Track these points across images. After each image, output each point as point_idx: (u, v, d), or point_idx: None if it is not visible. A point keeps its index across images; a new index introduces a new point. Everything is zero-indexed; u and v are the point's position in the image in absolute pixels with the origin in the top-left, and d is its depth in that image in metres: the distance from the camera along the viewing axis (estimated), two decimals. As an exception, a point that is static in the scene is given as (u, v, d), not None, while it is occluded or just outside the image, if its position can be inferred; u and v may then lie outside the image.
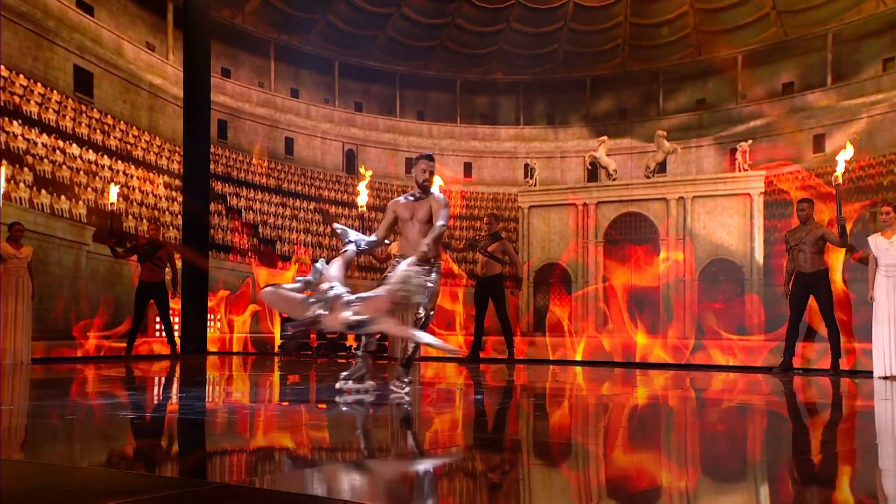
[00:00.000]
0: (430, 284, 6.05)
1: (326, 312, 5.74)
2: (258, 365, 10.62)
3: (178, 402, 6.30)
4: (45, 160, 10.73)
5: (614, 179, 12.38)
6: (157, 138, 12.39)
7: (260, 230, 13.52)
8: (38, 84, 10.72)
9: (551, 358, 11.99)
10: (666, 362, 11.27)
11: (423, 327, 6.08)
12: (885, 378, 8.51)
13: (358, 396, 6.06)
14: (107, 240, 10.66)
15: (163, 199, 12.42)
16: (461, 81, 13.86)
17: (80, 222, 11.08)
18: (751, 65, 11.97)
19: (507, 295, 11.37)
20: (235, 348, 13.06)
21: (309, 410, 5.66)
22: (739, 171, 11.52)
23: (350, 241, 6.31)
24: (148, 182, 12.19)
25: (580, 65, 13.19)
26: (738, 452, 4.23)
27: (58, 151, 10.90)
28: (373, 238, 6.40)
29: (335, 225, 6.60)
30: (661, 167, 12.16)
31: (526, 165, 13.20)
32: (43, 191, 10.64)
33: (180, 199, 12.64)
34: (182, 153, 12.67)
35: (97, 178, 11.38)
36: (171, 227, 12.42)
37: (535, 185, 12.93)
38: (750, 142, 11.51)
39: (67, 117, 11.10)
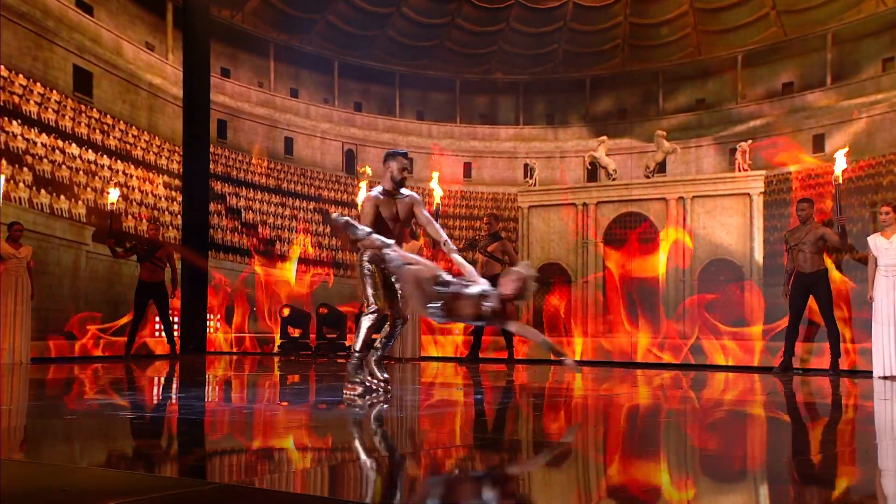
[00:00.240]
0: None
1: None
2: (258, 365, 10.62)
3: (177, 401, 6.30)
4: (45, 160, 10.73)
5: (614, 179, 12.38)
6: (157, 138, 12.39)
7: (259, 230, 13.52)
8: (38, 84, 10.72)
9: (551, 358, 11.97)
10: (665, 362, 11.26)
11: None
12: (885, 378, 8.51)
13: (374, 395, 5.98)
14: (106, 239, 10.66)
15: (162, 198, 12.42)
16: (461, 81, 13.86)
17: (79, 222, 11.08)
18: (750, 65, 11.97)
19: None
20: (235, 348, 13.06)
21: (308, 410, 5.66)
22: (739, 171, 11.52)
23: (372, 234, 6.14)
24: (147, 182, 12.18)
25: (580, 65, 13.19)
26: (738, 452, 4.23)
27: (57, 151, 10.90)
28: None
29: (336, 216, 6.25)
30: (661, 167, 12.16)
31: (525, 165, 13.20)
32: (42, 190, 10.63)
33: (180, 198, 12.64)
34: (181, 153, 12.67)
35: (97, 177, 11.38)
36: (170, 227, 12.41)
37: (534, 185, 12.93)
38: (749, 142, 11.51)
39: (67, 117, 11.10)
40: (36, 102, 10.68)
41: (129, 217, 11.86)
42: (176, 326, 11.87)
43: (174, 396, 6.81)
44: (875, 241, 8.75)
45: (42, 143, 10.71)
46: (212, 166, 13.07)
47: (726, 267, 11.61)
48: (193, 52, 12.86)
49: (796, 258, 9.39)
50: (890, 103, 10.51)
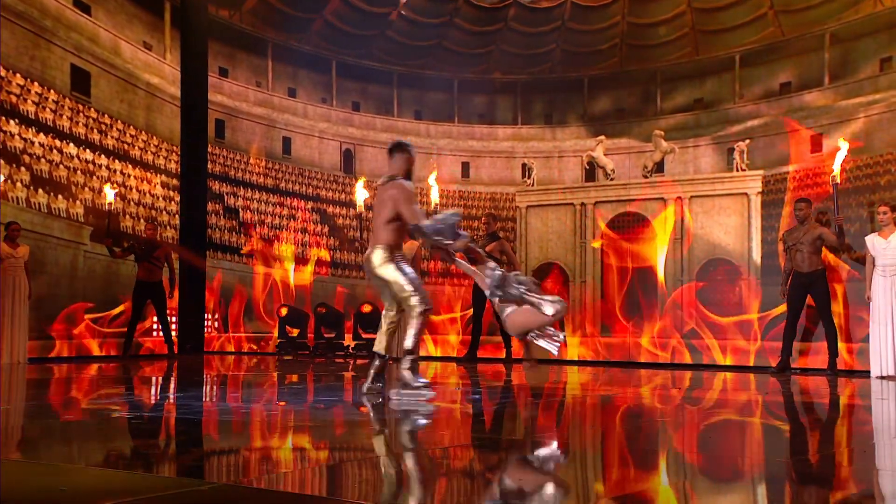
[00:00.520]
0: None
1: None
2: (256, 364, 10.61)
3: (175, 401, 6.29)
4: (43, 160, 10.72)
5: (612, 179, 12.38)
6: (155, 138, 12.38)
7: (257, 229, 13.51)
8: (35, 83, 10.71)
9: (549, 357, 11.97)
10: (662, 362, 11.27)
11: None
12: (882, 378, 8.52)
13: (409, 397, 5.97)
14: (104, 239, 10.65)
15: (160, 198, 12.41)
16: (459, 81, 13.86)
17: (77, 222, 11.07)
18: (748, 64, 11.98)
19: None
20: (233, 348, 13.06)
21: (307, 410, 5.66)
22: (737, 170, 11.53)
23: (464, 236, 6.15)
24: (145, 182, 12.18)
25: (578, 64, 13.20)
26: (736, 452, 4.23)
27: (55, 151, 10.89)
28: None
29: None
30: (659, 167, 12.17)
31: (524, 165, 13.20)
32: (40, 190, 10.62)
33: (177, 198, 12.63)
34: (179, 153, 12.66)
35: (94, 177, 11.37)
36: (168, 227, 12.41)
37: (532, 185, 12.93)
38: (747, 141, 11.52)
39: (64, 117, 11.09)
40: (33, 102, 10.67)
41: (127, 217, 11.85)
42: (174, 326, 11.87)
43: (172, 396, 6.81)
44: (873, 241, 8.76)
45: (40, 142, 10.70)
46: (210, 166, 13.06)
47: (724, 266, 11.62)
48: (191, 51, 12.85)
49: (794, 258, 9.40)
50: (887, 103, 10.53)
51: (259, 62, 13.85)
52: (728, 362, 10.84)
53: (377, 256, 5.98)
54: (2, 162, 10.01)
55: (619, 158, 12.53)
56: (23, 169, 10.44)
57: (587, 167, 12.65)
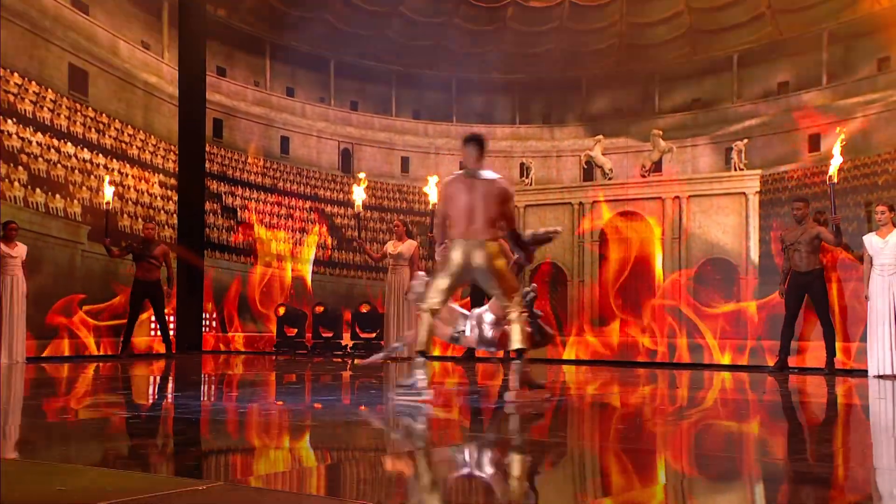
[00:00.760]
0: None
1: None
2: (253, 364, 10.61)
3: (173, 401, 6.29)
4: (40, 159, 10.70)
5: (610, 179, 12.39)
6: (153, 137, 12.37)
7: (255, 229, 13.50)
8: (33, 83, 10.69)
9: (547, 357, 11.98)
10: (659, 361, 11.27)
11: None
12: (880, 377, 8.53)
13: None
14: (102, 239, 10.64)
15: (158, 198, 12.40)
16: (457, 81, 13.85)
17: (75, 221, 11.06)
18: (746, 64, 11.98)
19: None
20: (231, 347, 13.05)
21: (304, 410, 5.66)
22: (735, 170, 11.53)
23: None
24: (143, 181, 12.16)
25: (576, 64, 13.19)
26: (734, 451, 4.24)
27: (52, 150, 10.88)
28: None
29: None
30: (657, 166, 12.17)
31: (522, 164, 13.19)
32: (38, 189, 10.61)
33: (175, 198, 12.62)
34: (177, 152, 12.65)
35: (92, 176, 11.35)
36: (166, 227, 12.40)
37: (530, 185, 12.92)
38: (745, 141, 11.52)
39: (62, 116, 11.07)
40: (31, 101, 10.66)
41: (125, 216, 11.83)
42: (171, 326, 11.86)
43: (170, 396, 6.81)
44: (870, 241, 8.77)
45: (37, 141, 10.69)
46: (207, 165, 13.05)
47: (722, 266, 11.62)
48: (189, 50, 12.84)
49: (792, 258, 9.42)
50: (885, 103, 10.53)
51: (257, 61, 13.83)
52: (726, 361, 10.85)
53: (494, 248, 5.93)
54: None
55: (617, 158, 12.52)
56: (20, 168, 10.43)
57: (585, 167, 12.64)
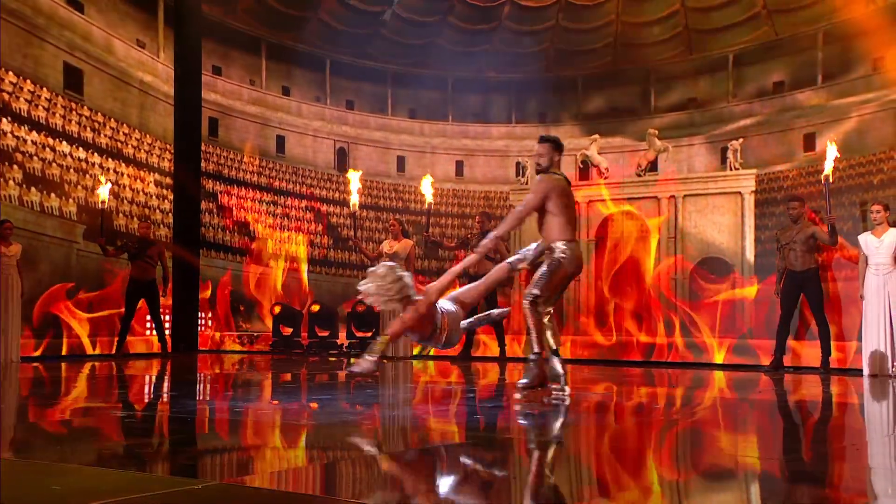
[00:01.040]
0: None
1: None
2: (249, 363, 10.60)
3: (168, 400, 6.28)
4: (35, 158, 10.68)
5: (606, 178, 12.40)
6: (148, 136, 12.35)
7: (251, 228, 13.49)
8: (28, 81, 10.67)
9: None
10: (656, 360, 11.29)
11: None
12: (875, 376, 8.55)
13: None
14: (97, 238, 10.63)
15: (153, 197, 12.39)
16: (453, 79, 13.86)
17: (70, 220, 11.04)
18: (742, 63, 12.00)
19: (498, 293, 11.36)
20: (226, 346, 13.04)
21: (300, 409, 5.66)
22: (730, 169, 11.55)
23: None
24: (139, 180, 12.15)
25: (572, 63, 13.20)
26: (729, 450, 4.24)
27: (48, 149, 10.86)
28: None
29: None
30: (653, 166, 12.19)
31: (517, 164, 13.20)
32: (33, 188, 10.59)
33: (171, 196, 12.60)
34: (173, 151, 12.63)
35: (87, 175, 11.34)
36: (161, 226, 12.38)
37: (526, 184, 12.93)
38: (741, 140, 11.54)
39: (57, 115, 11.05)
40: (26, 100, 10.64)
41: (121, 215, 11.82)
42: (167, 325, 11.84)
43: (165, 395, 6.80)
44: (866, 240, 8.79)
45: (32, 140, 10.67)
46: (203, 164, 13.03)
47: (718, 265, 11.64)
48: (185, 49, 12.82)
49: (787, 257, 9.44)
50: (880, 102, 10.56)
51: (253, 60, 13.82)
52: (720, 360, 10.86)
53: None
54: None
55: (612, 157, 12.54)
56: (15, 167, 10.41)
57: (581, 166, 12.65)
